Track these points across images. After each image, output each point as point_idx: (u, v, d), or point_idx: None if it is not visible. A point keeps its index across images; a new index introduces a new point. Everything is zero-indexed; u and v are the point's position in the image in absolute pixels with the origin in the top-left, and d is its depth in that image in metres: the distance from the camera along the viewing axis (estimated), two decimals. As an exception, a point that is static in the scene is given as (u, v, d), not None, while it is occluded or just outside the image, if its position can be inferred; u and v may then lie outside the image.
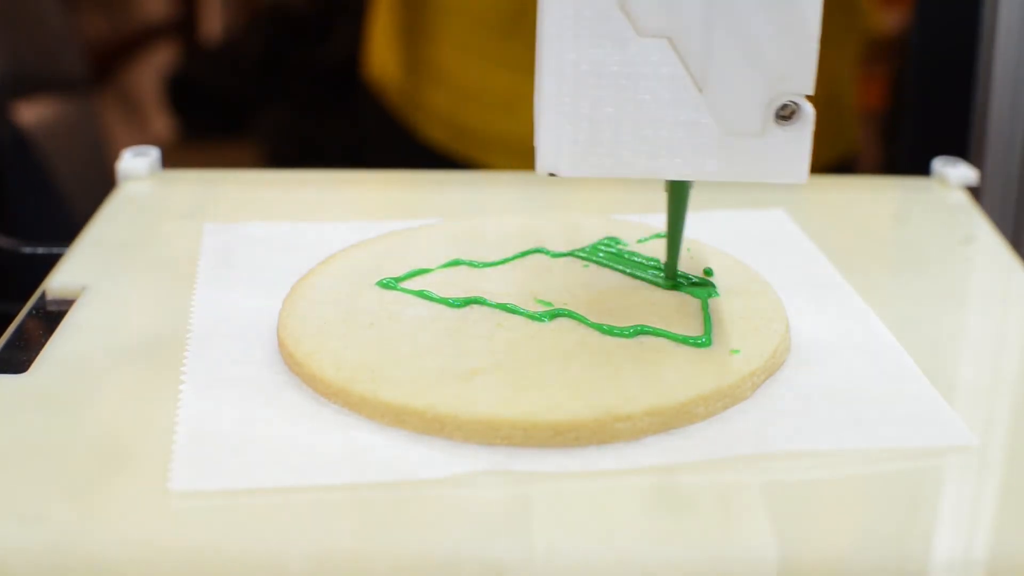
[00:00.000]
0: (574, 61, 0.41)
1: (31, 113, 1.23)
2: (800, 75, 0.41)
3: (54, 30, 1.30)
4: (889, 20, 1.08)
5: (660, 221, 0.55)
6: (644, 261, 0.49)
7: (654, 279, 0.48)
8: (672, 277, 0.48)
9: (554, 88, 0.42)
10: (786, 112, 0.42)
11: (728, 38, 0.41)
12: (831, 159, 0.90)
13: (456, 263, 0.49)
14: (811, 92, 0.42)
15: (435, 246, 0.51)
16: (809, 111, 0.42)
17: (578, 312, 0.45)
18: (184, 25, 1.82)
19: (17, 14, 1.25)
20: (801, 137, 0.42)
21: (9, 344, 0.46)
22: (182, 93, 1.69)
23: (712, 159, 0.42)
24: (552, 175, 0.42)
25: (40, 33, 1.29)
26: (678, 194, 0.46)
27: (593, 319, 0.44)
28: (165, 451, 0.38)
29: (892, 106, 1.19)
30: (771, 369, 0.43)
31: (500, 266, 0.49)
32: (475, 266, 0.49)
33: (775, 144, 0.42)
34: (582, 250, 0.50)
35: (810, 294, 0.49)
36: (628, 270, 0.48)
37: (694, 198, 0.47)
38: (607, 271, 0.49)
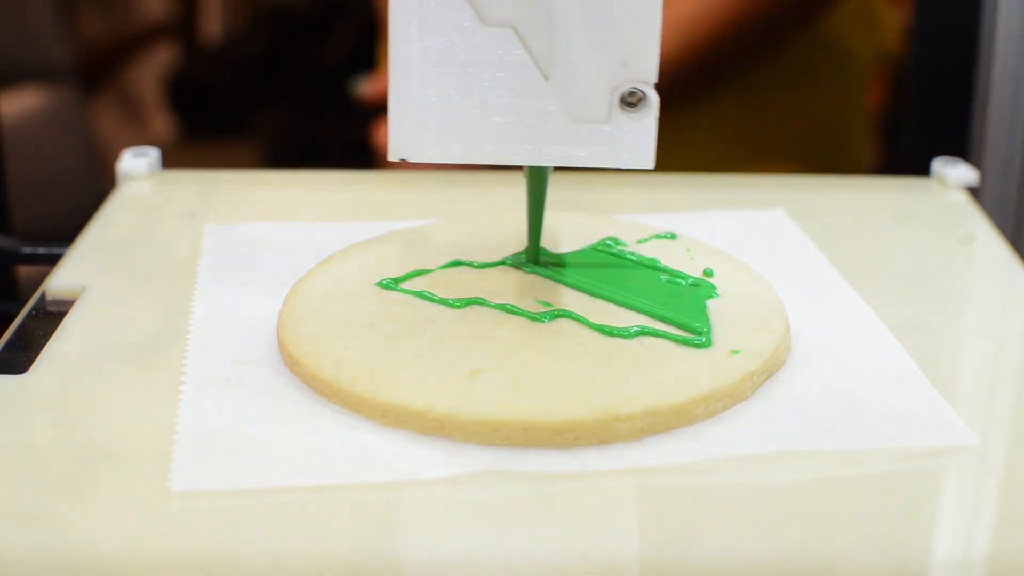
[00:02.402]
0: (421, 49, 0.42)
1: (18, 103, 1.22)
2: (645, 62, 0.42)
3: (41, 20, 1.30)
4: (897, 21, 1.07)
5: (660, 221, 0.55)
6: (644, 261, 0.49)
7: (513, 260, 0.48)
8: (534, 261, 0.48)
9: (403, 76, 0.43)
10: (633, 99, 0.43)
11: (573, 26, 0.42)
12: (831, 171, 0.90)
13: (456, 264, 0.49)
14: (655, 79, 0.43)
15: (435, 246, 0.51)
16: (654, 98, 0.43)
17: (578, 312, 0.45)
18: (184, 25, 1.82)
19: (2, 3, 1.24)
20: (646, 123, 0.43)
21: (9, 344, 0.46)
22: (182, 93, 1.69)
23: (560, 145, 0.43)
24: (403, 160, 0.43)
25: (26, 22, 1.29)
26: (536, 179, 0.47)
27: (593, 319, 0.44)
28: (165, 451, 0.38)
29: (892, 106, 1.19)
30: (771, 369, 0.43)
31: (500, 267, 0.49)
32: (475, 267, 0.49)
33: (621, 130, 0.43)
34: (582, 250, 0.50)
35: (810, 294, 0.49)
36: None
37: (694, 198, 0.47)
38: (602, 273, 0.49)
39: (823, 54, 0.87)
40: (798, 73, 0.86)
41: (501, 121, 0.43)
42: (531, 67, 0.43)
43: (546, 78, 0.42)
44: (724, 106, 0.86)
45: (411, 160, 0.44)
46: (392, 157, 0.44)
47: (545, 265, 0.48)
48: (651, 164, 0.44)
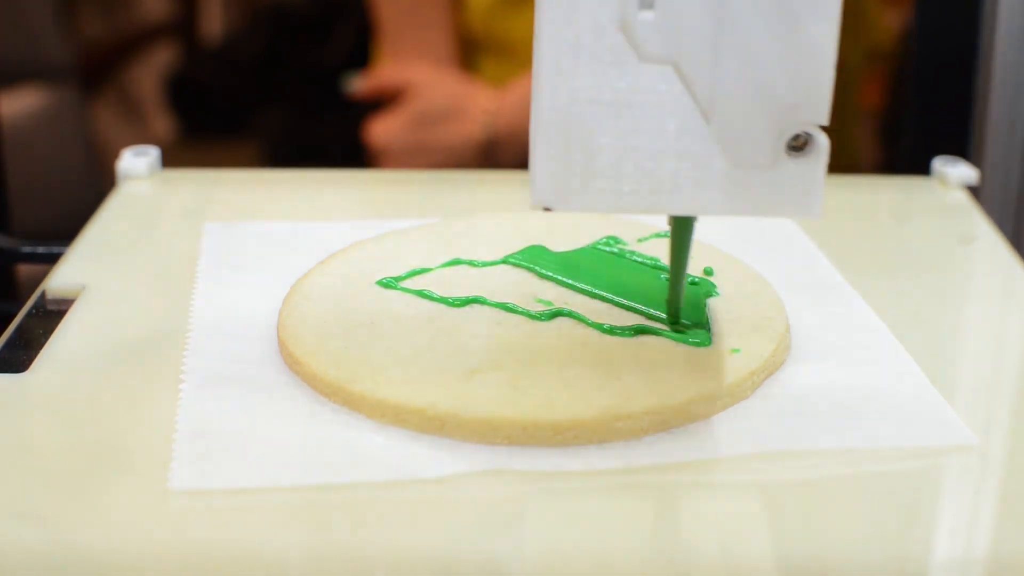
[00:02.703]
0: (571, 88, 0.39)
1: (18, 103, 1.22)
2: (814, 105, 0.39)
3: (41, 20, 1.30)
4: (890, 21, 1.07)
5: (660, 220, 0.55)
6: (645, 261, 0.49)
7: (658, 318, 0.45)
8: (675, 318, 0.45)
9: (550, 116, 0.39)
10: (798, 143, 0.39)
11: (737, 65, 0.38)
12: (832, 171, 0.90)
13: (456, 263, 0.49)
14: (825, 123, 0.39)
15: (435, 246, 0.51)
16: (823, 142, 0.39)
17: (578, 312, 0.45)
18: (184, 25, 1.82)
19: (2, 3, 1.24)
20: (814, 169, 0.39)
21: (9, 344, 0.46)
22: (182, 93, 1.69)
23: (719, 193, 0.40)
24: (547, 209, 0.40)
25: (26, 22, 1.29)
26: (682, 230, 0.43)
27: (593, 319, 0.44)
28: (165, 451, 0.38)
29: (892, 106, 1.19)
30: (771, 369, 0.43)
31: (500, 265, 0.49)
32: (475, 265, 0.49)
33: (786, 177, 0.39)
34: (583, 248, 0.50)
35: (810, 294, 0.49)
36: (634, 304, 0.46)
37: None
38: (609, 272, 0.49)
39: None
40: None
41: (656, 167, 0.39)
42: (691, 108, 0.39)
43: (707, 120, 0.39)
44: None
45: (555, 209, 0.40)
46: (535, 204, 0.40)
47: (685, 329, 0.44)
48: (819, 214, 0.40)
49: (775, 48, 0.38)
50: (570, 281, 0.47)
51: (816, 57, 0.38)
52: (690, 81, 0.38)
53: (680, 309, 0.45)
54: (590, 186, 0.40)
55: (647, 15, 0.38)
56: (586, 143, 0.39)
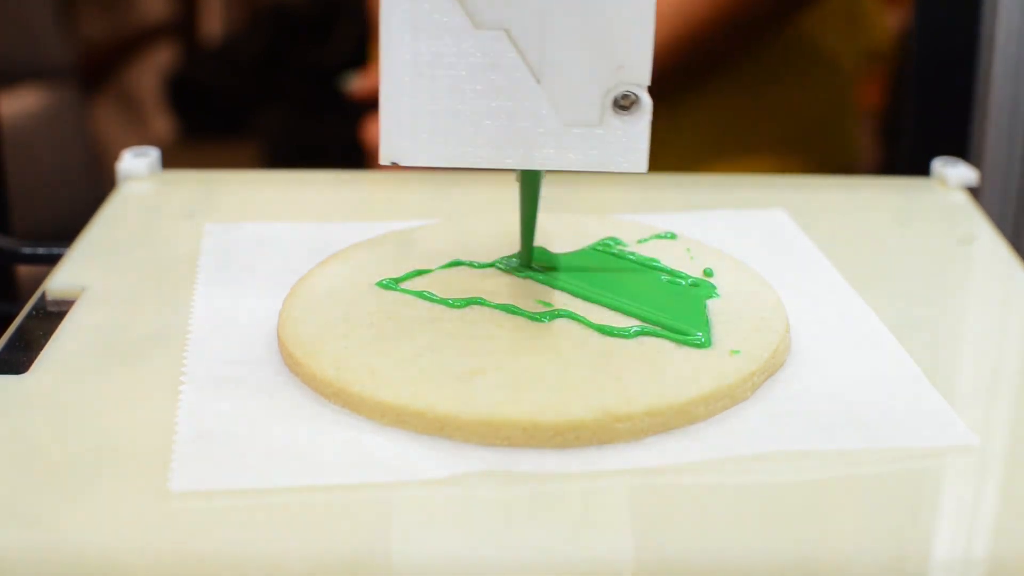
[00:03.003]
0: (412, 52, 0.42)
1: (18, 103, 1.22)
2: (638, 65, 0.42)
3: (41, 20, 1.30)
4: (890, 21, 1.07)
5: (660, 221, 0.55)
6: (645, 262, 0.49)
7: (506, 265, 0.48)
8: (527, 264, 0.48)
9: (394, 79, 0.43)
10: (626, 102, 0.42)
11: (565, 29, 0.42)
12: (831, 170, 0.90)
13: (456, 264, 0.49)
14: (648, 82, 0.42)
15: (435, 246, 0.51)
16: (647, 101, 0.43)
17: (578, 312, 0.45)
18: (184, 25, 1.82)
19: (2, 3, 1.24)
20: (640, 127, 0.43)
21: (9, 344, 0.46)
22: (182, 93, 1.69)
23: (553, 149, 0.43)
24: (395, 164, 0.43)
25: (26, 22, 1.29)
26: (529, 182, 0.47)
27: (593, 319, 0.44)
28: (165, 451, 0.38)
29: (892, 106, 1.19)
30: (771, 369, 0.43)
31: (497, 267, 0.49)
32: (474, 266, 0.49)
33: (614, 134, 0.43)
34: (582, 250, 0.50)
35: (810, 294, 0.49)
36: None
37: (694, 198, 0.47)
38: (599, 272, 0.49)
39: (805, 52, 0.87)
40: (782, 69, 0.87)
41: (493, 124, 0.43)
42: (523, 70, 0.42)
43: (538, 81, 0.42)
44: (710, 100, 0.86)
45: (402, 164, 0.44)
46: (383, 161, 0.44)
47: (539, 269, 0.48)
48: (644, 168, 0.44)
49: (599, 13, 0.42)
50: (566, 285, 0.47)
51: (638, 20, 0.42)
52: (521, 45, 0.42)
53: (532, 256, 0.48)
54: (432, 143, 0.43)
55: None
56: (428, 104, 0.43)
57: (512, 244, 0.50)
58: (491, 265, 0.48)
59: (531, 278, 0.48)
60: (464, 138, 0.43)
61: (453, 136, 0.43)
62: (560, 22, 0.42)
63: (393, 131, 0.43)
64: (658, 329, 0.44)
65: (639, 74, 0.42)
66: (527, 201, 0.47)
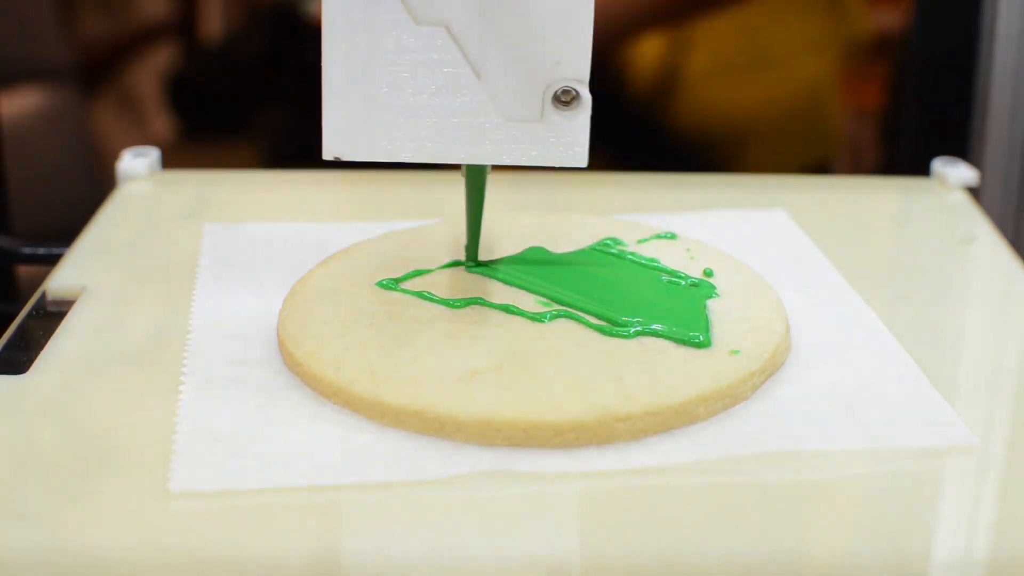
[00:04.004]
0: (352, 47, 0.42)
1: (18, 103, 1.22)
2: (577, 61, 0.43)
3: (41, 20, 1.30)
4: (883, 22, 1.07)
5: (660, 221, 0.55)
6: (645, 262, 0.49)
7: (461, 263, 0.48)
8: (473, 259, 0.48)
9: (335, 74, 0.43)
10: (566, 98, 0.43)
11: (505, 25, 0.42)
12: (807, 163, 0.90)
13: (456, 264, 0.49)
14: (586, 78, 0.43)
15: (435, 246, 0.51)
16: (587, 97, 0.43)
17: (578, 313, 0.45)
18: (184, 25, 1.82)
19: (1, 3, 1.24)
20: (580, 122, 0.43)
21: (9, 344, 0.46)
22: (182, 93, 1.69)
23: (494, 144, 0.44)
24: (336, 159, 0.44)
25: (26, 22, 1.28)
26: (474, 178, 0.47)
27: (593, 320, 0.44)
28: (165, 451, 0.38)
29: (892, 106, 1.19)
30: (771, 369, 0.43)
31: (451, 268, 0.49)
32: (471, 270, 0.49)
33: (554, 129, 0.43)
34: (583, 250, 0.50)
35: (810, 294, 0.49)
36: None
37: (694, 198, 0.47)
38: (603, 272, 0.49)
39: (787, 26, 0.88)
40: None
41: (434, 120, 0.43)
42: (464, 66, 0.43)
43: (479, 77, 0.43)
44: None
45: (344, 159, 0.44)
46: (326, 155, 0.44)
47: (484, 264, 0.48)
48: (584, 162, 0.44)
49: (539, 8, 0.42)
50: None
51: (576, 15, 0.42)
52: (461, 41, 0.42)
53: (477, 251, 0.48)
54: (375, 138, 0.44)
55: None
56: (370, 99, 0.43)
57: (512, 244, 0.50)
58: (446, 267, 0.48)
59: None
60: (406, 134, 0.44)
61: (395, 131, 0.43)
62: (499, 17, 0.42)
63: (336, 126, 0.44)
64: (657, 329, 0.44)
65: (578, 69, 0.43)
66: (472, 196, 0.47)
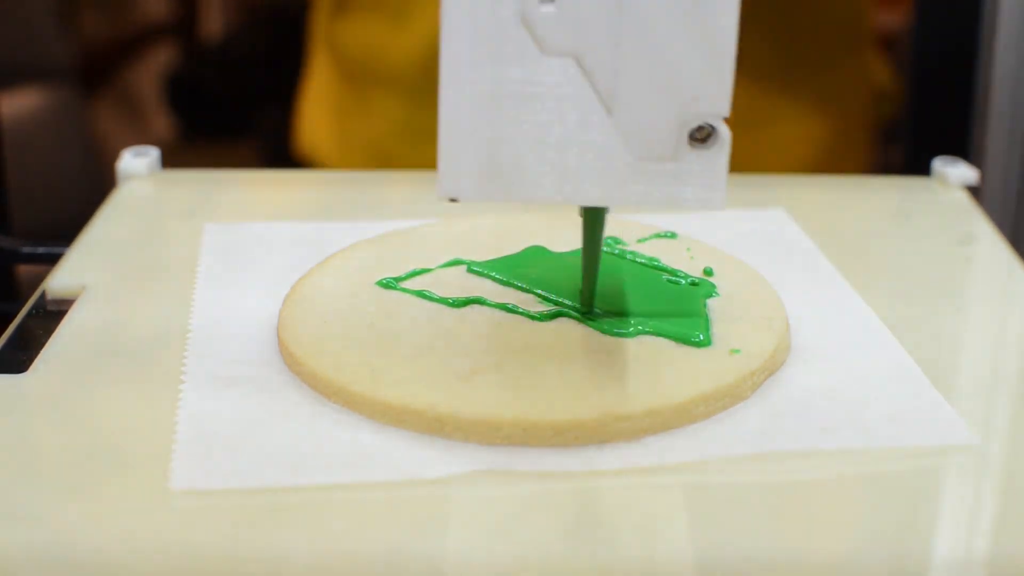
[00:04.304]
0: (474, 80, 0.39)
1: (18, 103, 1.22)
2: (715, 96, 0.39)
3: (41, 19, 1.30)
4: (883, 22, 1.08)
5: (660, 221, 0.55)
6: (645, 261, 0.49)
7: (570, 310, 0.45)
8: (588, 306, 0.45)
9: (454, 109, 0.39)
10: (701, 135, 0.39)
11: (638, 56, 0.39)
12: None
13: (456, 263, 0.49)
14: (727, 114, 0.39)
15: (435, 246, 0.51)
16: (725, 133, 0.40)
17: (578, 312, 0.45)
18: (184, 25, 1.82)
19: (1, 3, 1.24)
20: (717, 161, 0.40)
21: (9, 344, 0.46)
22: (182, 93, 1.69)
23: (623, 184, 0.40)
24: (453, 200, 0.40)
25: (26, 22, 1.29)
26: (593, 220, 0.43)
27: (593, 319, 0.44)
28: (165, 451, 0.38)
29: (892, 105, 1.19)
30: (771, 369, 0.43)
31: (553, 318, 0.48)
32: (472, 270, 0.49)
33: (689, 169, 0.40)
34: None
35: (810, 294, 0.49)
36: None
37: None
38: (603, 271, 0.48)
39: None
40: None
41: (558, 158, 0.40)
42: (592, 100, 0.39)
43: (609, 113, 0.39)
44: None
45: (461, 199, 0.40)
46: (440, 195, 0.40)
47: (601, 315, 0.45)
48: (722, 206, 0.40)
49: (676, 40, 0.39)
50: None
51: (717, 48, 0.39)
52: (591, 74, 0.39)
53: (595, 299, 0.45)
54: (495, 177, 0.40)
55: (548, 8, 0.38)
56: (491, 135, 0.40)
57: (512, 244, 0.50)
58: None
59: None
60: (527, 172, 0.40)
61: (515, 170, 0.40)
62: (635, 48, 0.38)
63: (452, 163, 0.40)
64: (658, 328, 0.44)
65: (718, 105, 0.39)
66: (591, 239, 0.44)
